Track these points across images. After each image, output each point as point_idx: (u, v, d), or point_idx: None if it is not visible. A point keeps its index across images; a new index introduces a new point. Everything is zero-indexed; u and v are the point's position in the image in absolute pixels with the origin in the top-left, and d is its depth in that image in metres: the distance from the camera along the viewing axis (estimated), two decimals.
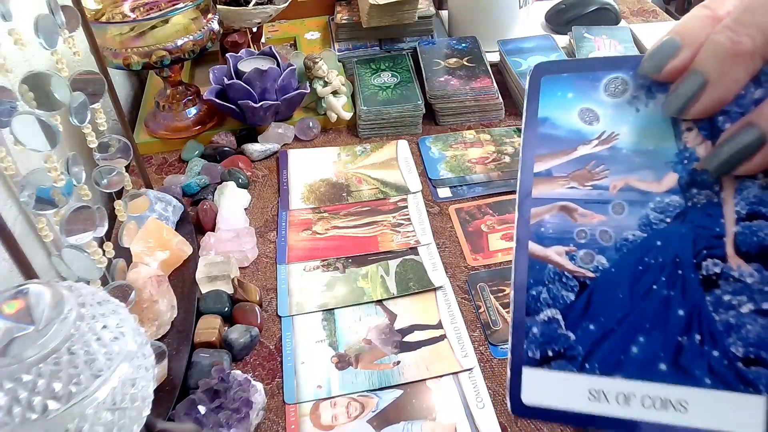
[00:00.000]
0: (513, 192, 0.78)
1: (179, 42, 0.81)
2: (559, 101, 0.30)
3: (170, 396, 0.55)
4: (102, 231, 0.55)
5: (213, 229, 0.74)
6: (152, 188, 0.78)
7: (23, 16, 0.55)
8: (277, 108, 0.87)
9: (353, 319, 0.64)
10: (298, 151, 0.89)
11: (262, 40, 1.05)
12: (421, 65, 0.97)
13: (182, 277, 0.68)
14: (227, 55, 0.89)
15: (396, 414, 0.55)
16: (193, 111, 0.91)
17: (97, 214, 0.54)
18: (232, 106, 0.85)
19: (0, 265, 0.58)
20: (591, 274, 0.28)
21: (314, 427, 0.54)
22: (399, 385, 0.57)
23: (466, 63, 0.97)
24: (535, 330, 0.28)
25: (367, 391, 0.57)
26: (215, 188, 0.80)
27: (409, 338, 0.61)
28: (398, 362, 0.59)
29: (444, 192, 0.80)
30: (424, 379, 0.58)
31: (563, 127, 0.29)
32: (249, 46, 0.98)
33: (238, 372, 0.56)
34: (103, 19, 0.82)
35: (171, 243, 0.68)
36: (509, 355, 0.29)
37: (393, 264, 0.69)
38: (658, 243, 0.27)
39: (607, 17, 1.10)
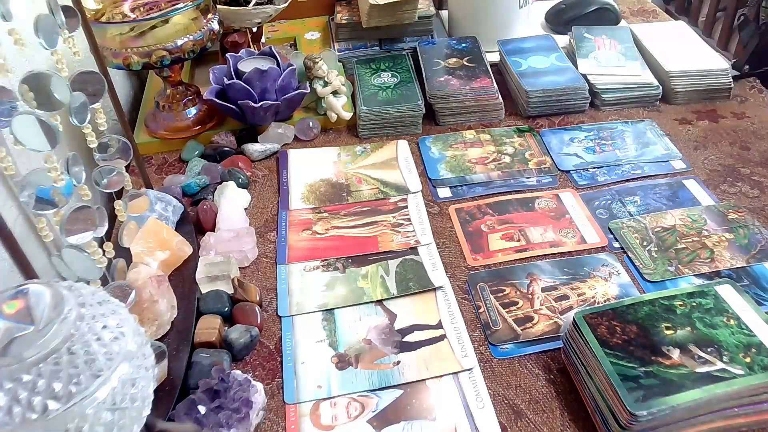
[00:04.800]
0: (513, 192, 0.79)
1: (179, 42, 0.81)
2: None
3: (170, 396, 0.55)
4: (102, 231, 0.55)
5: (213, 229, 0.74)
6: (152, 188, 0.78)
7: (23, 16, 0.55)
8: (277, 108, 0.87)
9: (353, 319, 0.64)
10: (298, 151, 0.89)
11: (262, 40, 1.05)
12: (421, 65, 0.97)
13: (182, 277, 0.68)
14: (227, 55, 0.89)
15: (396, 414, 0.55)
16: (193, 111, 0.91)
17: (97, 214, 0.54)
18: (232, 106, 0.85)
19: (0, 265, 0.58)
20: None
21: (314, 427, 0.54)
22: (399, 385, 0.57)
23: (466, 63, 0.97)
24: None
25: (367, 391, 0.57)
26: (215, 188, 0.80)
27: (409, 338, 0.61)
28: (398, 362, 0.59)
29: (444, 192, 0.80)
30: (424, 379, 0.58)
31: None
32: (249, 46, 0.98)
33: (238, 372, 0.56)
34: (103, 19, 0.82)
35: (171, 243, 0.69)
36: None
37: (393, 264, 0.69)
38: None
39: (607, 17, 1.11)
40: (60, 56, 0.57)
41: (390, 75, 0.96)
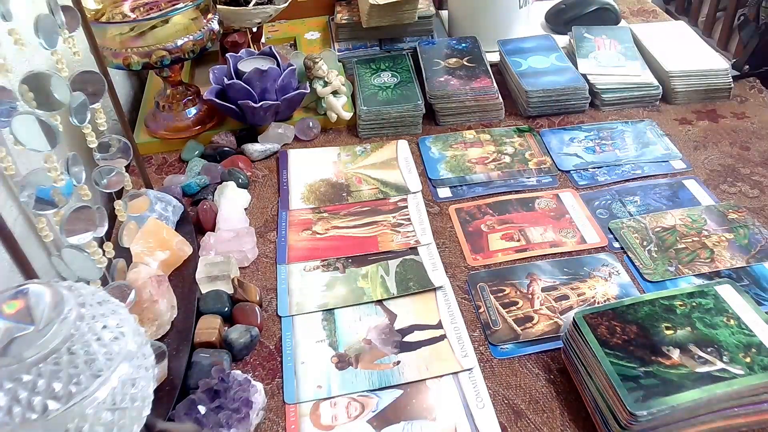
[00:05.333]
0: (513, 192, 0.79)
1: (179, 42, 0.81)
2: None
3: (170, 396, 0.55)
4: (102, 231, 0.55)
5: (213, 229, 0.74)
6: (152, 188, 0.78)
7: (23, 16, 0.55)
8: (277, 108, 0.87)
9: (353, 319, 0.64)
10: (298, 151, 0.89)
11: (262, 40, 1.05)
12: (421, 65, 0.97)
13: (182, 277, 0.68)
14: (227, 55, 0.89)
15: (396, 414, 0.55)
16: (193, 111, 0.91)
17: (97, 214, 0.54)
18: (232, 106, 0.85)
19: (0, 265, 0.58)
20: None
21: (314, 427, 0.54)
22: (399, 385, 0.57)
23: (466, 63, 0.97)
24: None
25: (367, 391, 0.57)
26: (215, 188, 0.80)
27: (409, 338, 0.61)
28: (398, 362, 0.59)
29: (444, 192, 0.80)
30: (424, 379, 0.58)
31: None
32: (249, 46, 0.98)
33: (238, 372, 0.56)
34: (103, 19, 0.82)
35: (171, 243, 0.69)
36: None
37: (393, 264, 0.69)
38: None
39: (607, 17, 1.11)
40: (60, 56, 0.57)
41: (390, 75, 0.96)
